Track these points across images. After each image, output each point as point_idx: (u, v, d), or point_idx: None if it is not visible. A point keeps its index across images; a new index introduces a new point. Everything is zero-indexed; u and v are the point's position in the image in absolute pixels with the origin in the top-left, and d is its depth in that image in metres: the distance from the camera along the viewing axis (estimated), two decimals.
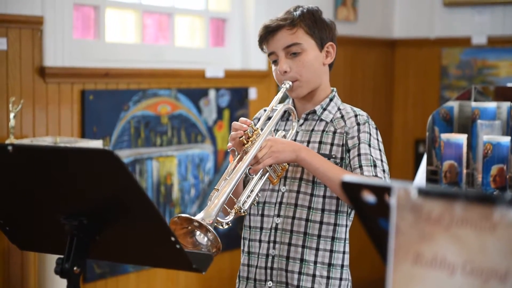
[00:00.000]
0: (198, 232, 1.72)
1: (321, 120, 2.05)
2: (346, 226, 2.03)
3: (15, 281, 3.09)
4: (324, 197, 1.99)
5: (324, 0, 4.53)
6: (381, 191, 0.98)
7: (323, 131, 2.03)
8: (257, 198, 1.94)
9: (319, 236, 1.99)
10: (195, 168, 3.82)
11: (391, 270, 0.93)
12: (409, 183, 0.94)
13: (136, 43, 3.71)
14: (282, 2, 3.26)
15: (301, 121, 2.08)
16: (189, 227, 1.72)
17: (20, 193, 1.50)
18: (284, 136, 2.03)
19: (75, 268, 1.42)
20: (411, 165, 5.01)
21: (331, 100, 2.08)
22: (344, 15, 4.73)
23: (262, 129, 1.95)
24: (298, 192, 2.01)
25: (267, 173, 1.96)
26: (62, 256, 1.43)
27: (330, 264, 2.00)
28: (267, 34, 2.04)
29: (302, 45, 2.01)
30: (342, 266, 2.02)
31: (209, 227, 1.69)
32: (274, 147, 1.89)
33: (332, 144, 2.00)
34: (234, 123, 1.93)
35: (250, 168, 1.89)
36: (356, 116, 2.02)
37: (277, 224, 2.02)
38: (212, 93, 3.90)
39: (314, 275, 1.99)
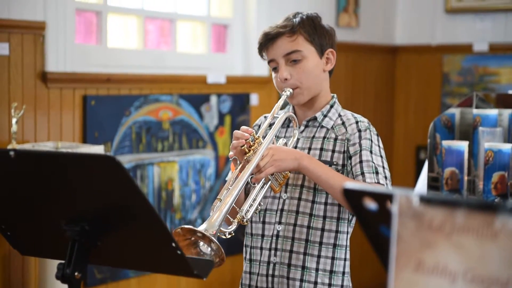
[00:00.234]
0: (201, 243, 1.72)
1: (322, 126, 2.05)
2: (347, 233, 2.02)
3: (16, 286, 3.09)
4: (325, 204, 1.99)
5: (326, 6, 4.54)
6: (383, 199, 0.98)
7: (324, 137, 2.03)
8: (259, 207, 1.93)
9: (320, 243, 1.99)
10: (196, 174, 3.82)
11: (392, 277, 0.93)
12: (410, 191, 0.94)
13: (138, 49, 3.71)
14: (284, 8, 3.27)
15: (302, 128, 2.07)
16: (193, 238, 1.71)
17: (22, 198, 1.50)
18: (286, 144, 2.03)
19: (76, 274, 1.42)
20: (412, 172, 5.01)
21: (331, 106, 2.07)
22: (346, 22, 4.73)
23: (263, 137, 1.95)
24: (299, 199, 2.00)
25: (269, 182, 1.95)
26: (63, 261, 1.43)
27: (331, 271, 2.00)
28: (267, 42, 2.03)
29: (302, 52, 2.01)
30: (344, 273, 2.02)
31: (213, 237, 1.69)
32: (276, 156, 1.89)
33: (333, 151, 2.00)
34: (236, 132, 1.92)
35: (252, 177, 1.89)
36: (357, 122, 2.02)
37: (278, 231, 2.02)
38: (213, 99, 3.90)
39: (315, 282, 1.98)
